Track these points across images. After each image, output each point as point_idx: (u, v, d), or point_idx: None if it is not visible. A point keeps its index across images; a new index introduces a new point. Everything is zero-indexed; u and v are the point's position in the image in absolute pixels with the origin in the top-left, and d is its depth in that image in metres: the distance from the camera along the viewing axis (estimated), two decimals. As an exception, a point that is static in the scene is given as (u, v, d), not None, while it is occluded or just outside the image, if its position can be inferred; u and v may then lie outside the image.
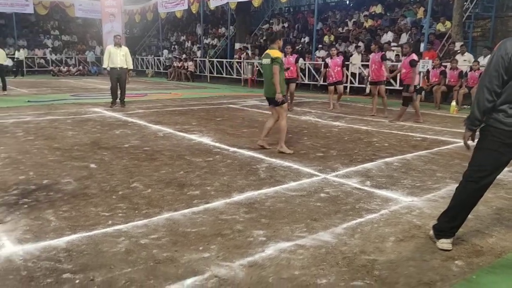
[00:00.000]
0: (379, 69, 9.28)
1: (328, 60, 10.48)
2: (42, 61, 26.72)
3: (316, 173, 4.82)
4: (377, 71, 9.32)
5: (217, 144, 6.27)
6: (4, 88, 13.38)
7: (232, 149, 5.97)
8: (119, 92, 10.52)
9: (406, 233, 3.21)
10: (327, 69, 10.38)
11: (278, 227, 3.29)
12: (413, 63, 8.33)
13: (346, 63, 12.63)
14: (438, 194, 4.12)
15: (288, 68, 8.69)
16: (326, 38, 17.94)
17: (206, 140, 6.59)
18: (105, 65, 10.66)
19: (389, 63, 11.63)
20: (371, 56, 9.69)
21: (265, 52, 5.82)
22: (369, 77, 9.74)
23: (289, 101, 9.54)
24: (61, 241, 2.98)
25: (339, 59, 10.31)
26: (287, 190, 4.18)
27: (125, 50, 10.47)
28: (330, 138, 6.85)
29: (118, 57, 10.25)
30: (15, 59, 22.83)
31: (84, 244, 2.94)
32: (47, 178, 4.46)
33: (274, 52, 5.62)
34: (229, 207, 3.71)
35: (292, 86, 10.13)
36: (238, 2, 19.79)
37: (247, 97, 13.73)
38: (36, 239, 3.01)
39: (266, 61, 5.69)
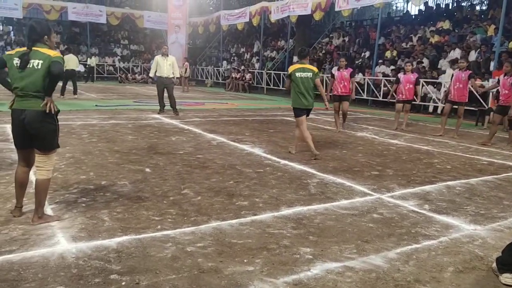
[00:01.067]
0: (464, 89, 8.67)
1: (400, 75, 9.80)
2: (111, 68, 28.32)
3: (370, 192, 4.63)
4: (460, 90, 8.67)
5: (268, 156, 6.24)
6: (75, 92, 14.32)
7: (283, 161, 5.91)
8: (167, 101, 10.82)
9: (467, 264, 2.96)
10: (398, 85, 9.71)
11: (326, 246, 3.17)
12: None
13: (420, 80, 12.02)
14: (504, 224, 3.79)
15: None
16: (388, 53, 17.46)
17: (258, 151, 6.58)
18: (151, 74, 11.12)
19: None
20: (454, 73, 8.96)
21: (299, 66, 6.32)
22: (448, 95, 8.96)
23: (340, 121, 9.31)
24: (113, 242, 3.06)
25: (413, 76, 9.56)
26: (338, 208, 4.04)
27: (171, 59, 10.83)
28: (387, 157, 6.58)
29: (165, 66, 10.61)
30: (86, 66, 24.46)
31: (134, 247, 3.00)
32: (106, 179, 4.65)
33: (314, 67, 6.37)
34: (277, 221, 3.64)
35: (345, 104, 9.18)
36: (298, 16, 19.85)
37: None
38: (89, 238, 3.12)
39: (307, 74, 6.27)
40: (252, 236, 3.29)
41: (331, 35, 22.53)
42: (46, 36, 3.39)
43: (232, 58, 27.41)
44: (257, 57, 24.82)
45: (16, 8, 25.00)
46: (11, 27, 28.17)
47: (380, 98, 15.51)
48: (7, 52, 3.50)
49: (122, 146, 6.46)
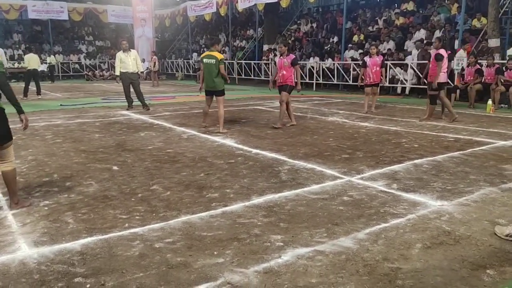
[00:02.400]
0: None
1: (367, 59, 9.86)
2: (77, 66, 27.56)
3: (340, 175, 4.65)
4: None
5: (240, 146, 6.19)
6: (38, 93, 13.84)
7: (255, 150, 5.88)
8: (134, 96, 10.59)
9: (434, 239, 3.01)
10: (366, 69, 9.77)
11: (297, 231, 3.16)
12: (438, 57, 7.94)
13: (386, 62, 12.14)
14: (470, 198, 3.87)
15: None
16: (355, 38, 17.59)
17: (229, 142, 6.52)
18: (117, 72, 10.57)
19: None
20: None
21: (207, 53, 7.33)
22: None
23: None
24: (77, 244, 2.96)
25: (378, 59, 9.69)
26: (308, 193, 4.04)
27: (134, 54, 10.58)
28: (357, 139, 6.64)
29: (129, 61, 10.36)
30: (47, 64, 23.55)
31: (99, 247, 2.91)
32: (70, 181, 4.51)
33: (219, 54, 7.24)
34: (248, 210, 3.61)
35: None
36: (266, 4, 19.71)
37: (274, 98, 13.60)
38: (52, 242, 3.00)
39: (210, 60, 7.19)
40: (223, 228, 3.24)
41: (299, 22, 22.52)
42: None
43: (202, 49, 27.07)
44: (226, 47, 24.60)
45: (-29, 8, 23.95)
46: (-33, 28, 26.98)
47: (350, 82, 15.64)
48: None
49: (88, 145, 6.28)
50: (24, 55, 16.92)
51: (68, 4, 27.02)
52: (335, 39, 18.59)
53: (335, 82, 16.52)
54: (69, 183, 4.40)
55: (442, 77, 8.11)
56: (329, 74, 16.69)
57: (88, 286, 2.42)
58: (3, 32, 27.02)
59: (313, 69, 17.28)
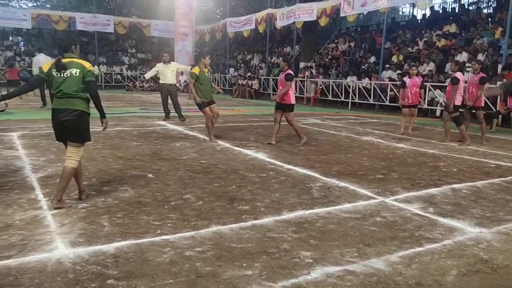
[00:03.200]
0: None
1: (406, 79, 9.63)
2: (119, 76, 28.56)
3: (373, 195, 4.56)
4: (473, 94, 8.44)
5: (272, 160, 6.20)
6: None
7: (287, 166, 5.87)
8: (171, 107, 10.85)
9: (471, 267, 2.89)
10: (405, 89, 9.54)
11: (327, 249, 3.12)
12: (454, 81, 7.85)
13: (425, 84, 11.93)
14: (510, 227, 3.70)
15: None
16: (394, 58, 17.38)
17: (262, 156, 6.55)
18: (147, 76, 11.58)
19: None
20: (469, 77, 8.83)
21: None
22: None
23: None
24: (111, 247, 3.04)
25: (418, 80, 9.48)
26: (340, 212, 3.98)
27: (174, 65, 10.92)
28: (392, 160, 6.51)
29: (168, 73, 10.65)
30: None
31: (132, 252, 2.98)
32: (107, 185, 4.65)
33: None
34: (278, 225, 3.60)
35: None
36: (304, 22, 19.88)
37: (308, 115, 13.61)
38: (88, 243, 3.10)
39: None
40: (252, 240, 3.25)
41: (336, 41, 22.51)
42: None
43: (239, 65, 27.50)
44: (263, 64, 24.87)
45: (25, 19, 25.43)
46: (20, 38, 28.58)
47: (387, 103, 15.42)
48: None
49: (126, 153, 6.47)
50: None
51: (114, 18, 28.26)
52: (373, 58, 18.44)
53: (371, 102, 16.33)
54: (106, 188, 4.54)
55: (458, 100, 8.02)
56: (365, 93, 16.53)
57: (119, 288, 2.48)
58: (51, 42, 28.46)
59: (349, 88, 17.17)
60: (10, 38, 28.46)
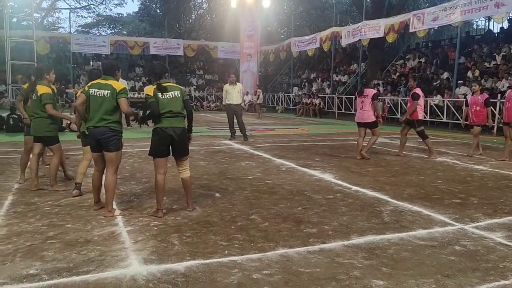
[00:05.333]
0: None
1: (468, 97, 9.17)
2: (187, 97, 29.78)
3: (451, 222, 4.26)
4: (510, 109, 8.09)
5: (338, 182, 6.05)
6: (154, 121, 15.22)
7: (354, 188, 5.69)
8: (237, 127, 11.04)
9: None
10: (467, 108, 9.01)
11: (401, 279, 2.94)
12: (415, 97, 8.29)
13: (492, 101, 11.02)
14: None
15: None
16: (469, 73, 16.42)
17: (328, 177, 6.42)
18: (224, 102, 11.55)
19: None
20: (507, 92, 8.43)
21: (103, 82, 4.36)
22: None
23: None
24: (181, 266, 3.11)
25: (481, 97, 8.68)
26: (414, 238, 3.76)
27: (239, 87, 11.17)
28: (470, 184, 6.07)
29: (234, 94, 10.92)
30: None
31: (201, 271, 3.02)
32: (177, 204, 4.80)
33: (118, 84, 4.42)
34: (347, 250, 3.47)
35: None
36: (371, 39, 19.51)
37: (375, 134, 13.17)
38: (159, 261, 3.19)
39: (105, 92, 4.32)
40: (321, 265, 3.15)
41: (406, 57, 21.78)
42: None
43: (303, 83, 27.53)
44: (328, 82, 24.68)
45: (104, 45, 27.58)
46: (99, 63, 30.92)
47: (462, 121, 14.51)
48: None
49: (194, 172, 6.65)
50: (144, 86, 18.82)
51: (184, 41, 29.78)
52: (446, 74, 17.56)
53: (444, 120, 15.49)
54: (176, 206, 4.69)
55: (420, 115, 8.48)
56: (437, 111, 15.72)
57: (189, 308, 2.51)
58: (127, 66, 30.48)
59: (385, 103, 16.43)
60: (91, 63, 30.88)
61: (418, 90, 8.42)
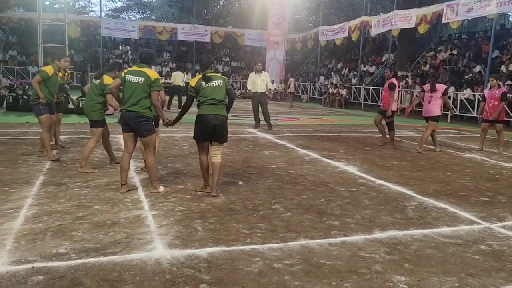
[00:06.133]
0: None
1: (485, 91, 8.72)
2: (230, 86, 29.90)
3: (477, 220, 4.18)
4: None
5: (362, 175, 6.00)
6: (180, 106, 15.40)
7: (378, 181, 5.64)
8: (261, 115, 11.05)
9: None
10: (484, 103, 8.66)
11: (423, 276, 2.92)
12: (392, 87, 8.26)
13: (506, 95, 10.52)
14: None
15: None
16: (503, 68, 15.85)
17: (352, 169, 6.37)
18: (248, 86, 11.51)
19: None
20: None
21: (139, 69, 4.56)
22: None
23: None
24: (204, 252, 3.17)
25: (498, 92, 8.35)
26: (438, 235, 3.71)
27: (264, 75, 11.12)
28: (499, 181, 5.92)
29: (259, 82, 10.91)
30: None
31: (223, 258, 3.07)
32: (200, 190, 4.86)
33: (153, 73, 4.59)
34: (369, 244, 3.46)
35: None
36: (401, 29, 19.03)
37: (401, 127, 12.95)
38: (183, 246, 3.27)
39: (140, 79, 4.50)
40: (342, 258, 3.16)
41: (437, 48, 21.18)
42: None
43: (330, 73, 27.20)
44: (355, 72, 24.30)
45: (133, 30, 27.89)
46: (128, 47, 31.34)
47: (480, 116, 14.05)
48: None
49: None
50: (172, 72, 19.02)
51: (211, 28, 29.80)
52: (478, 68, 17.00)
53: (474, 115, 15.05)
54: (200, 193, 4.76)
55: (394, 106, 8.50)
56: (468, 105, 15.28)
57: (211, 294, 2.57)
58: (155, 51, 30.77)
59: (449, 99, 15.99)
60: (120, 47, 31.35)
61: (394, 80, 8.45)
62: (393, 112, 8.49)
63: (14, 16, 25.33)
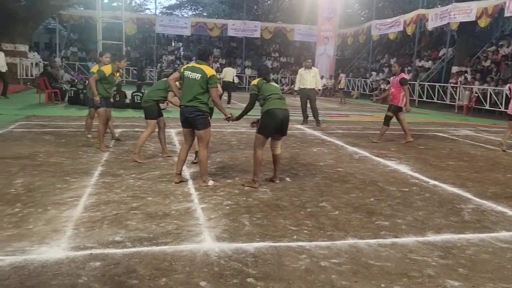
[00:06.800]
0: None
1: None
2: (280, 90, 30.01)
3: (540, 226, 3.92)
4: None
5: (415, 174, 5.79)
6: (229, 102, 15.60)
7: (432, 182, 5.42)
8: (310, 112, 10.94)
9: None
10: None
11: (478, 282, 2.79)
12: (403, 82, 8.17)
13: None
14: None
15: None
16: None
17: (404, 168, 6.17)
18: (296, 87, 11.33)
19: None
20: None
21: (197, 66, 4.73)
22: None
23: None
24: (251, 246, 3.21)
25: None
26: (496, 240, 3.52)
27: (314, 71, 11.01)
28: None
29: (308, 78, 10.80)
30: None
31: (269, 253, 3.10)
32: (249, 185, 4.91)
33: (210, 70, 4.72)
34: (421, 246, 3.35)
35: None
36: (460, 23, 18.09)
37: (459, 125, 12.36)
38: (231, 239, 3.33)
39: (197, 75, 4.64)
40: (392, 260, 3.08)
41: (499, 43, 19.93)
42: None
43: (382, 69, 26.40)
44: (409, 68, 23.42)
45: (185, 26, 28.52)
46: (180, 44, 32.15)
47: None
48: None
49: (266, 155, 6.69)
50: (221, 68, 19.28)
51: (261, 24, 29.86)
52: (545, 63, 15.83)
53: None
54: (247, 188, 4.81)
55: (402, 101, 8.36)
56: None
57: (258, 288, 2.60)
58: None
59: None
60: (173, 44, 32.21)
61: (405, 75, 8.40)
62: (399, 107, 8.40)
63: (75, 14, 26.71)
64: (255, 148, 4.85)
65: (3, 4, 17.83)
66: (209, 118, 4.78)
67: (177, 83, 4.89)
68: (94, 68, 7.19)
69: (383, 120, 8.68)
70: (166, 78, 5.88)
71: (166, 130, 6.43)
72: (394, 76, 8.57)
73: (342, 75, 22.21)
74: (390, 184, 5.24)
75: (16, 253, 2.93)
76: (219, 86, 5.15)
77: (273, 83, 5.04)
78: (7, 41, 18.11)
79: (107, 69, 6.51)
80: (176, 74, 4.90)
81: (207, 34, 30.22)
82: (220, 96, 5.40)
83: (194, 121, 4.64)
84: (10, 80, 15.72)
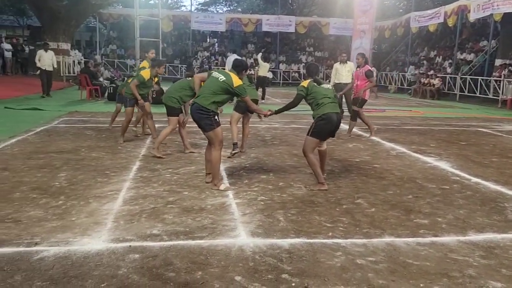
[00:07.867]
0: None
1: None
2: (296, 75, 29.84)
3: None
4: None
5: (456, 172, 5.59)
6: (263, 97, 15.61)
7: (474, 179, 5.21)
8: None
9: None
10: None
11: (525, 285, 2.66)
12: (368, 74, 8.00)
13: None
14: None
15: None
16: None
17: (444, 165, 5.97)
18: (331, 82, 11.10)
19: None
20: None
21: (226, 71, 4.77)
22: None
23: None
24: (285, 242, 3.21)
25: None
26: (544, 242, 3.35)
27: (349, 66, 10.84)
28: None
29: (344, 73, 10.67)
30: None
31: (304, 250, 3.08)
32: (283, 181, 4.91)
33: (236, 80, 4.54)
34: (462, 246, 3.24)
35: None
36: (504, 13, 17.24)
37: (503, 120, 11.82)
38: (265, 235, 3.34)
39: (221, 77, 4.53)
40: (431, 259, 3.00)
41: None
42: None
43: (421, 62, 25.59)
44: (450, 61, 22.58)
45: (220, 22, 28.72)
46: (215, 39, 32.40)
47: None
48: None
49: (300, 150, 6.68)
50: (255, 63, 19.33)
51: (296, 18, 29.61)
52: None
53: None
54: (281, 183, 4.81)
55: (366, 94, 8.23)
56: None
57: (293, 284, 2.60)
58: (240, 43, 31.45)
59: None
60: (208, 40, 32.52)
61: (370, 67, 8.28)
62: (365, 101, 8.28)
63: (114, 12, 27.42)
64: (307, 153, 4.65)
65: (47, 3, 18.58)
66: (216, 117, 4.47)
67: (202, 83, 4.76)
68: (144, 63, 7.59)
69: (351, 115, 8.67)
70: (190, 78, 5.86)
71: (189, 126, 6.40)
72: (358, 68, 8.34)
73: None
74: (430, 181, 5.09)
75: (60, 244, 3.06)
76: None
77: (325, 85, 4.88)
78: (51, 39, 18.85)
79: (146, 74, 6.66)
80: (204, 74, 4.83)
81: (241, 29, 30.29)
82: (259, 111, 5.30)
83: (199, 122, 4.47)
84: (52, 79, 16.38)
